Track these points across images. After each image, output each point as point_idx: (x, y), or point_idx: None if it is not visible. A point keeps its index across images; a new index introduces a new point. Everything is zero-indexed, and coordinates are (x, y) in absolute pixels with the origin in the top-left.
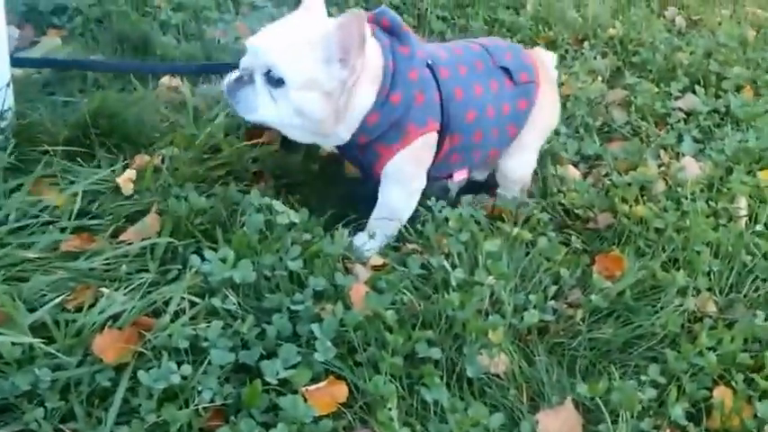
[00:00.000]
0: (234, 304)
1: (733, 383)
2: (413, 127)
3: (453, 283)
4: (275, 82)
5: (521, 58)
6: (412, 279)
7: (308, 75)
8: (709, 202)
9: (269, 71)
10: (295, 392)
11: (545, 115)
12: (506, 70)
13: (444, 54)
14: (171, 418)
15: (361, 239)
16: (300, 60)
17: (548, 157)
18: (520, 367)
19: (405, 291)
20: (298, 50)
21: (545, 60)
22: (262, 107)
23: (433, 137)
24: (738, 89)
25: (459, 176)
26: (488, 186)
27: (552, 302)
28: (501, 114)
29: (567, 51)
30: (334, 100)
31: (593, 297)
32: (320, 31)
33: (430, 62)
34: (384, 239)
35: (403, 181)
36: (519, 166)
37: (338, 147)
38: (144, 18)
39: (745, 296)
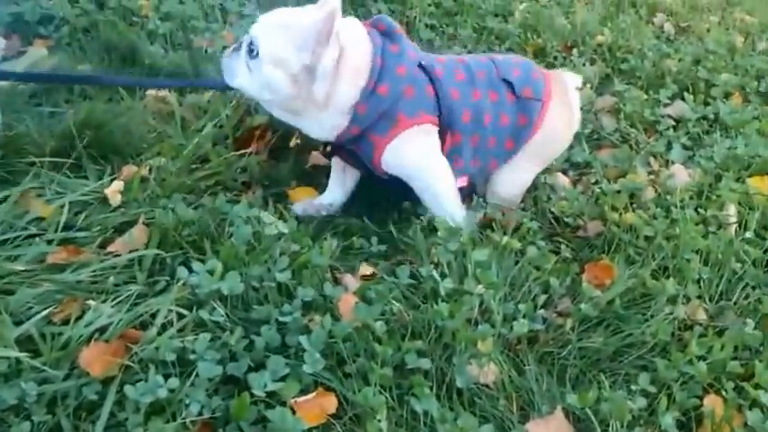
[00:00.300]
0: (222, 316)
1: (723, 392)
2: (402, 116)
3: (442, 293)
4: (253, 54)
5: (530, 75)
6: (401, 289)
7: (278, 53)
8: (699, 210)
9: (251, 43)
10: (284, 404)
11: (551, 138)
12: (509, 83)
13: (444, 60)
14: None
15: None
16: (276, 39)
17: None
18: (510, 377)
19: (394, 301)
20: (277, 30)
21: (567, 83)
22: (240, 75)
23: (430, 128)
24: (727, 96)
25: (460, 183)
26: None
27: (542, 311)
28: (499, 124)
29: (555, 59)
30: (300, 84)
31: (582, 306)
32: (305, 21)
33: (424, 63)
34: (457, 211)
35: (420, 171)
36: (512, 184)
37: (337, 147)
38: (131, 28)
39: (735, 303)
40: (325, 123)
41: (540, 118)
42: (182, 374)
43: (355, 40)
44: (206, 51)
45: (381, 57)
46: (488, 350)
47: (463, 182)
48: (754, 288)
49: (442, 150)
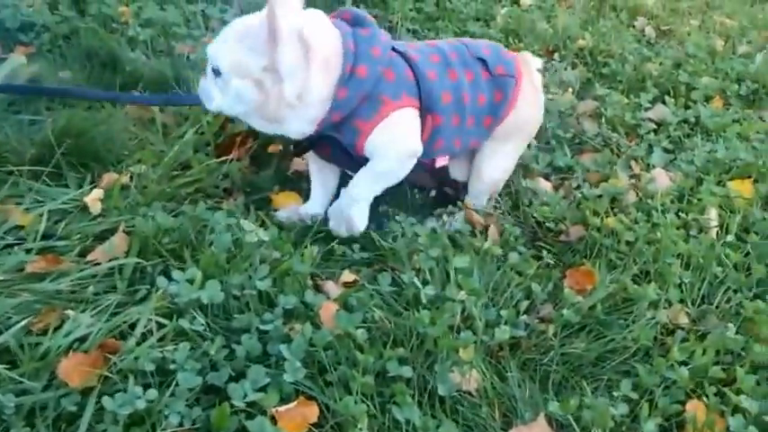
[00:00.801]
0: (202, 325)
1: (705, 398)
2: (387, 99)
3: (424, 300)
4: (217, 73)
5: (500, 54)
6: (383, 296)
7: (237, 64)
8: (680, 214)
9: (212, 64)
10: (264, 414)
11: (526, 117)
12: (483, 61)
13: (416, 46)
14: None
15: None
16: (231, 51)
17: (519, 169)
18: (492, 384)
19: (375, 308)
20: (230, 43)
21: (530, 63)
22: (215, 98)
23: (412, 113)
24: (708, 99)
25: (441, 162)
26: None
27: (524, 317)
28: (477, 103)
29: None
30: (267, 88)
31: (564, 312)
32: (252, 25)
33: (397, 48)
34: (369, 198)
35: (393, 150)
36: (494, 168)
37: (317, 140)
38: (112, 35)
39: (717, 307)
40: (304, 117)
41: (515, 94)
42: (161, 385)
43: (319, 31)
44: (188, 58)
45: (353, 41)
46: (470, 357)
47: (444, 160)
48: (735, 292)
49: (423, 133)
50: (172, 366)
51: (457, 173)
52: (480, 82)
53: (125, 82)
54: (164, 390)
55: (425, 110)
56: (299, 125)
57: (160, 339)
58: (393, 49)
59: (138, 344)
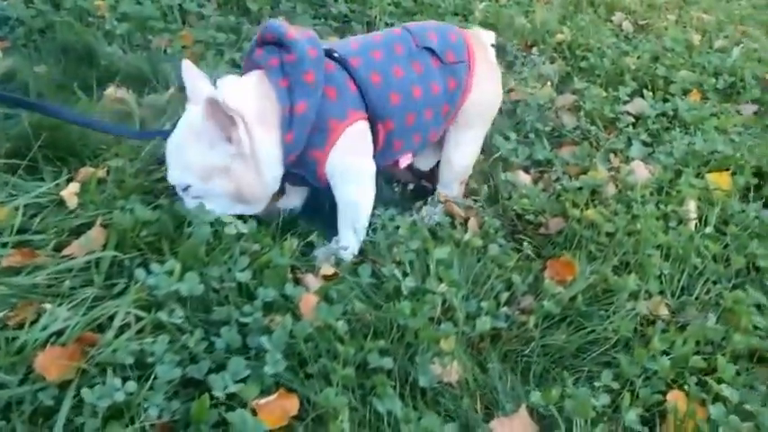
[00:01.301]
0: (181, 318)
1: (686, 387)
2: (334, 123)
3: (405, 292)
4: (189, 189)
5: (448, 38)
6: (363, 288)
7: (202, 168)
8: (659, 206)
9: (178, 185)
10: (245, 406)
11: (486, 97)
12: (431, 50)
13: (356, 45)
14: None
15: (344, 241)
16: (189, 162)
17: (498, 163)
18: (473, 375)
19: (356, 300)
20: (183, 154)
21: (483, 40)
22: (210, 210)
23: (362, 126)
24: (685, 93)
25: (405, 162)
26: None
27: (505, 309)
28: (431, 94)
29: (516, 57)
30: (241, 170)
31: (545, 303)
32: (198, 122)
33: (336, 54)
34: (362, 233)
35: (351, 174)
36: (463, 155)
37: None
38: (88, 28)
39: (696, 298)
40: (270, 180)
41: (469, 79)
42: (140, 378)
43: (238, 91)
44: (165, 52)
45: (283, 76)
46: (451, 348)
47: (408, 159)
48: (714, 283)
49: (378, 141)
50: (150, 359)
51: (422, 164)
52: (432, 72)
53: (101, 76)
54: (143, 383)
55: (375, 118)
56: (265, 190)
57: (138, 332)
58: (330, 55)
59: (117, 337)
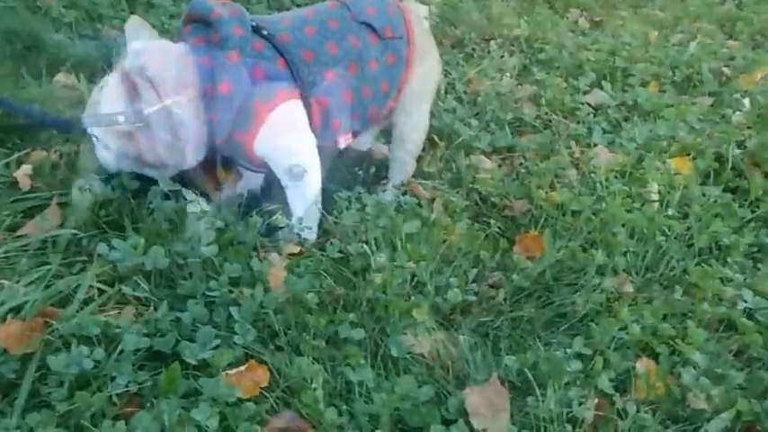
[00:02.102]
0: (146, 291)
1: (657, 351)
2: (259, 104)
3: (374, 266)
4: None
5: (386, 11)
6: (331, 264)
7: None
8: (624, 187)
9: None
10: (213, 377)
11: (427, 70)
12: (369, 26)
13: (287, 21)
14: (84, 405)
15: (303, 221)
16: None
17: (461, 149)
18: (444, 346)
19: (324, 274)
20: (97, 107)
21: (419, 13)
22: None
23: (293, 104)
24: (644, 85)
25: (344, 142)
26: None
27: (473, 285)
28: (368, 71)
29: (474, 50)
30: (145, 136)
31: (514, 277)
32: (113, 81)
33: (265, 31)
34: (315, 210)
35: (290, 151)
36: (415, 130)
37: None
38: (34, 15)
39: (661, 275)
40: (185, 150)
41: (411, 54)
42: (106, 349)
43: (160, 58)
44: (115, 41)
45: (206, 55)
46: (423, 318)
47: (348, 138)
48: (678, 261)
49: (314, 119)
50: (117, 331)
51: (358, 143)
52: (369, 47)
53: (50, 64)
54: (110, 352)
55: (308, 95)
56: (183, 160)
57: (102, 305)
58: (258, 32)
59: (79, 310)
